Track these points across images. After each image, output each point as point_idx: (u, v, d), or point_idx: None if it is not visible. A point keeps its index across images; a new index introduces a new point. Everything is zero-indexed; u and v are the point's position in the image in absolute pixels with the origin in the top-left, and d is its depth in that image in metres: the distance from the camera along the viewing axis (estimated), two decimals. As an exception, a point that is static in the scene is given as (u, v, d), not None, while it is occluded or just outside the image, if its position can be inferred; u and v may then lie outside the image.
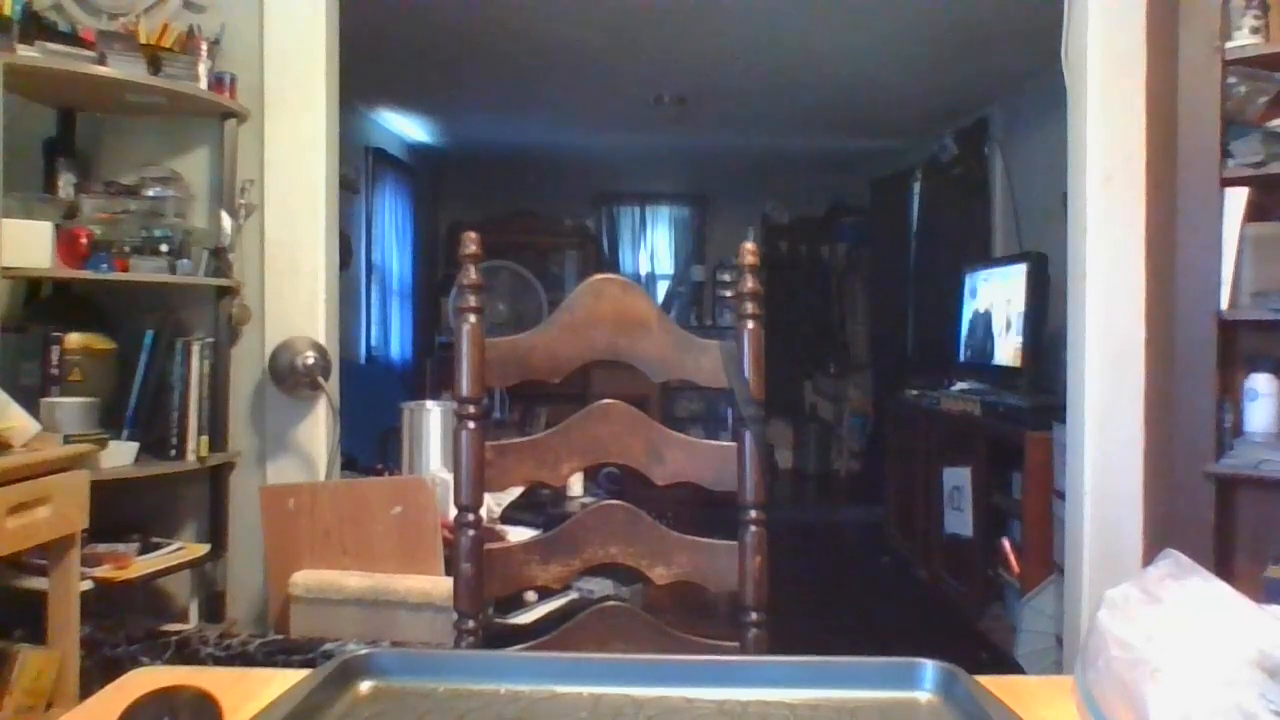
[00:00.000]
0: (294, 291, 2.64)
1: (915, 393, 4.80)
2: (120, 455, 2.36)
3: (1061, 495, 2.90)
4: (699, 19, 4.03)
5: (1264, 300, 2.20)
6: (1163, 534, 2.39)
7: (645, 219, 7.92)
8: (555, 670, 0.67)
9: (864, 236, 7.30)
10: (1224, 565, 2.18)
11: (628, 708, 0.64)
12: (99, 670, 1.97)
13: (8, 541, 1.72)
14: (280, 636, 2.17)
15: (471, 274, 1.11)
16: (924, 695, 0.66)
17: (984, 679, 0.64)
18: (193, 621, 2.53)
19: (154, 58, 2.44)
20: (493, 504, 2.55)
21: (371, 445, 3.90)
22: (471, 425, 1.11)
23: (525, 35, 4.26)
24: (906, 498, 4.90)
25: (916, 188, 6.19)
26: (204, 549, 2.52)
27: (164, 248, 2.44)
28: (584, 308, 1.17)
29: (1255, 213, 2.21)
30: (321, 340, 2.64)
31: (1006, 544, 3.74)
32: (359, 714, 0.63)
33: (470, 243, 1.11)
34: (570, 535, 1.16)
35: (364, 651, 0.68)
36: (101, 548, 2.27)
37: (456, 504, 1.11)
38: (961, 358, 4.69)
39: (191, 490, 2.63)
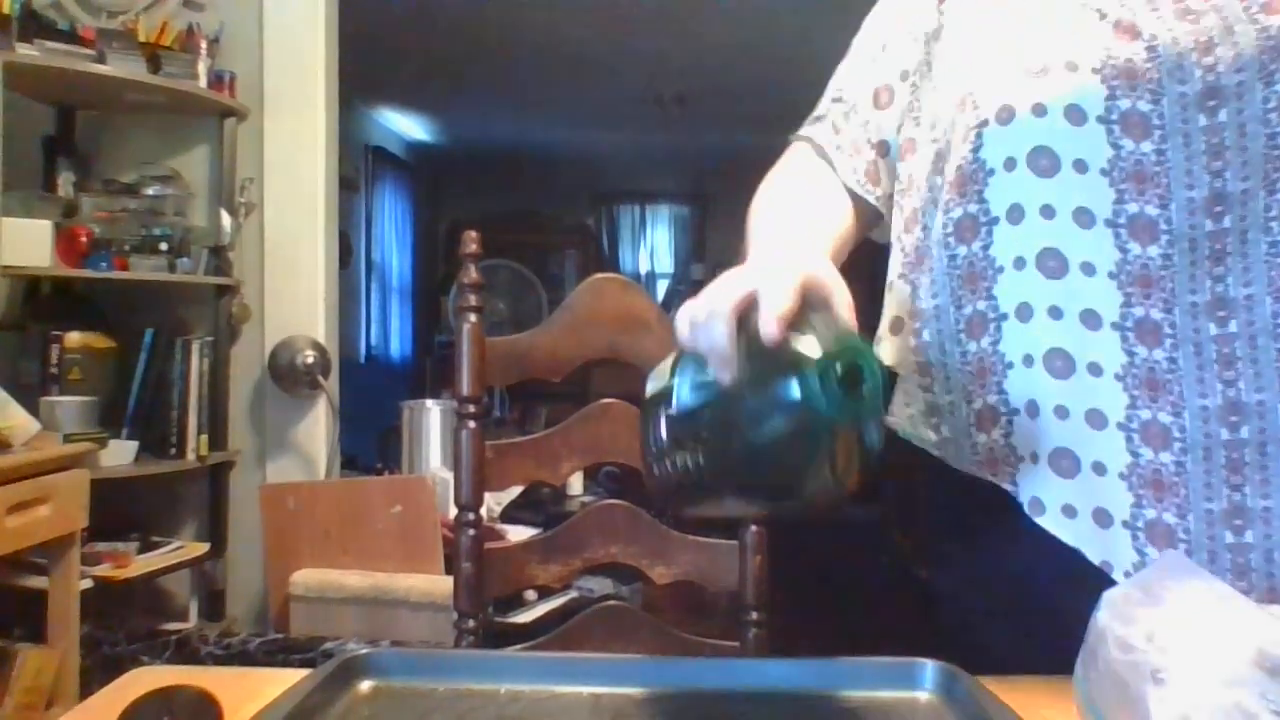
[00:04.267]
0: (294, 290, 2.64)
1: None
2: (120, 454, 2.36)
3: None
4: (699, 19, 4.03)
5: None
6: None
7: (645, 218, 7.91)
8: (555, 670, 0.67)
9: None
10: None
11: (628, 707, 0.64)
12: (99, 669, 1.97)
13: (8, 540, 1.72)
14: (280, 636, 2.17)
15: (471, 273, 1.11)
16: (924, 695, 0.66)
17: (984, 679, 0.64)
18: (192, 620, 2.53)
19: (153, 56, 2.44)
20: (493, 503, 2.56)
21: (371, 444, 3.90)
22: (471, 424, 1.10)
23: (525, 35, 4.26)
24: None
25: (916, 187, 6.18)
26: (204, 548, 2.52)
27: (163, 246, 2.44)
28: (584, 307, 1.17)
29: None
30: (321, 339, 2.64)
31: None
32: (359, 714, 0.63)
33: (470, 241, 1.11)
34: (570, 534, 1.16)
35: (364, 651, 0.68)
36: (101, 546, 2.27)
37: (456, 503, 1.11)
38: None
39: (191, 489, 2.63)
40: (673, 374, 0.63)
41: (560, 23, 4.10)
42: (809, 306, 0.59)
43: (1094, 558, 0.73)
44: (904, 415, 0.82)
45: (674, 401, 0.62)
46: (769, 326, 0.56)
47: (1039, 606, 0.79)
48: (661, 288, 7.81)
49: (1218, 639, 0.51)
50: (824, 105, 0.94)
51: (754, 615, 1.16)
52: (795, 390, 0.54)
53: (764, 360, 0.57)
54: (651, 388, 0.66)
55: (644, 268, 7.86)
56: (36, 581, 2.00)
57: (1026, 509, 0.76)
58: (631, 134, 6.38)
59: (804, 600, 4.30)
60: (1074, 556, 0.74)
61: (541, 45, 4.40)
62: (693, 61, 4.62)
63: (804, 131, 0.94)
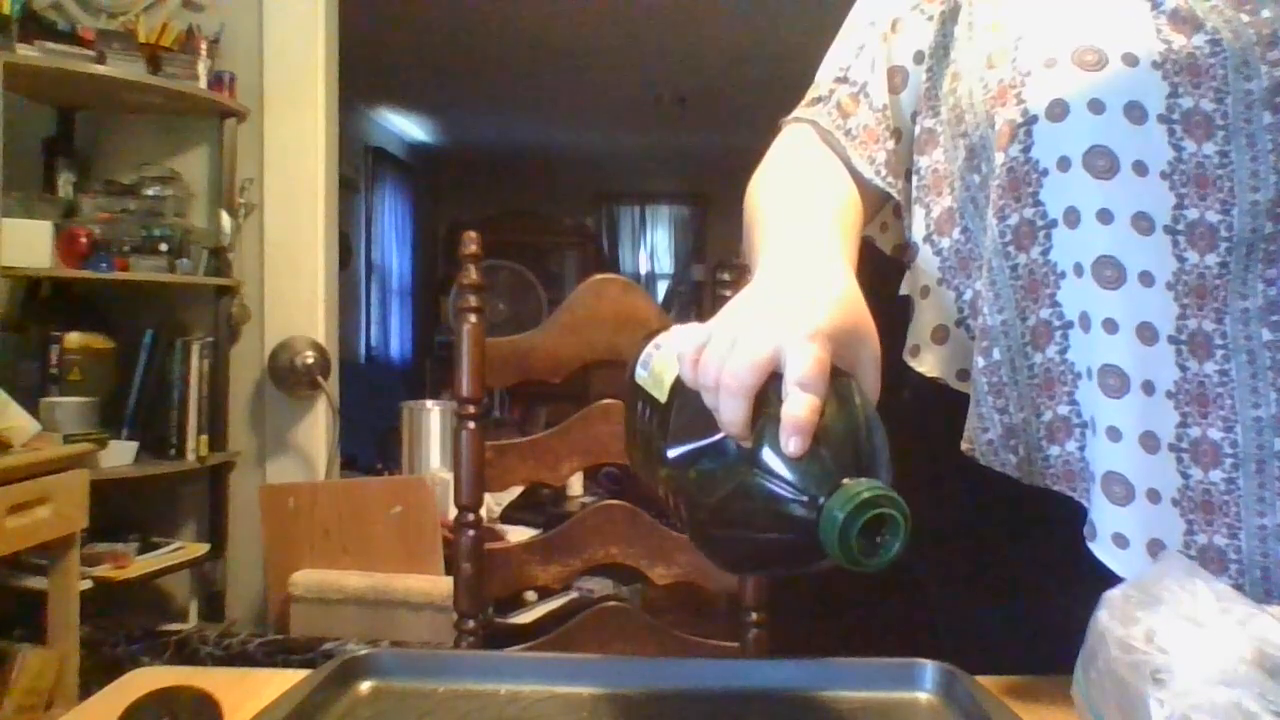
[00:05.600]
0: (294, 291, 2.64)
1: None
2: (120, 455, 2.36)
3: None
4: (699, 19, 4.03)
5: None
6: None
7: (645, 219, 7.92)
8: (555, 670, 0.67)
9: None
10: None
11: (628, 708, 0.64)
12: (99, 670, 1.97)
13: (8, 541, 1.72)
14: (280, 636, 2.17)
15: (471, 273, 1.11)
16: (924, 695, 0.66)
17: (984, 679, 0.64)
18: (192, 621, 2.53)
19: (153, 57, 2.44)
20: (493, 504, 2.56)
21: (371, 445, 3.90)
22: (471, 425, 1.10)
23: (525, 35, 4.26)
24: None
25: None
26: (203, 548, 2.52)
27: (163, 247, 2.44)
28: (584, 308, 1.17)
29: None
30: (321, 340, 2.64)
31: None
32: (359, 714, 0.63)
33: (470, 242, 1.11)
34: (570, 535, 1.16)
35: (364, 651, 0.67)
36: (101, 547, 2.27)
37: (456, 504, 1.11)
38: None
39: (191, 490, 2.63)
40: (672, 394, 0.59)
41: (560, 23, 4.10)
42: (835, 373, 0.55)
43: None
44: (982, 442, 0.77)
45: (668, 429, 0.58)
46: (791, 444, 0.51)
47: (1039, 606, 0.78)
48: (661, 288, 7.81)
49: (1218, 639, 0.51)
50: (825, 85, 0.87)
51: (754, 615, 1.16)
52: (808, 520, 0.51)
53: (780, 458, 0.52)
54: (643, 378, 0.62)
55: (644, 268, 7.87)
56: (36, 582, 2.00)
57: (1085, 530, 0.72)
58: (632, 134, 6.38)
59: (804, 600, 4.30)
60: (1074, 557, 0.72)
61: (542, 45, 4.41)
62: (693, 61, 4.62)
63: (803, 114, 0.87)
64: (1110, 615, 0.54)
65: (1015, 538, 0.81)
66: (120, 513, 2.42)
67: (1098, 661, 0.54)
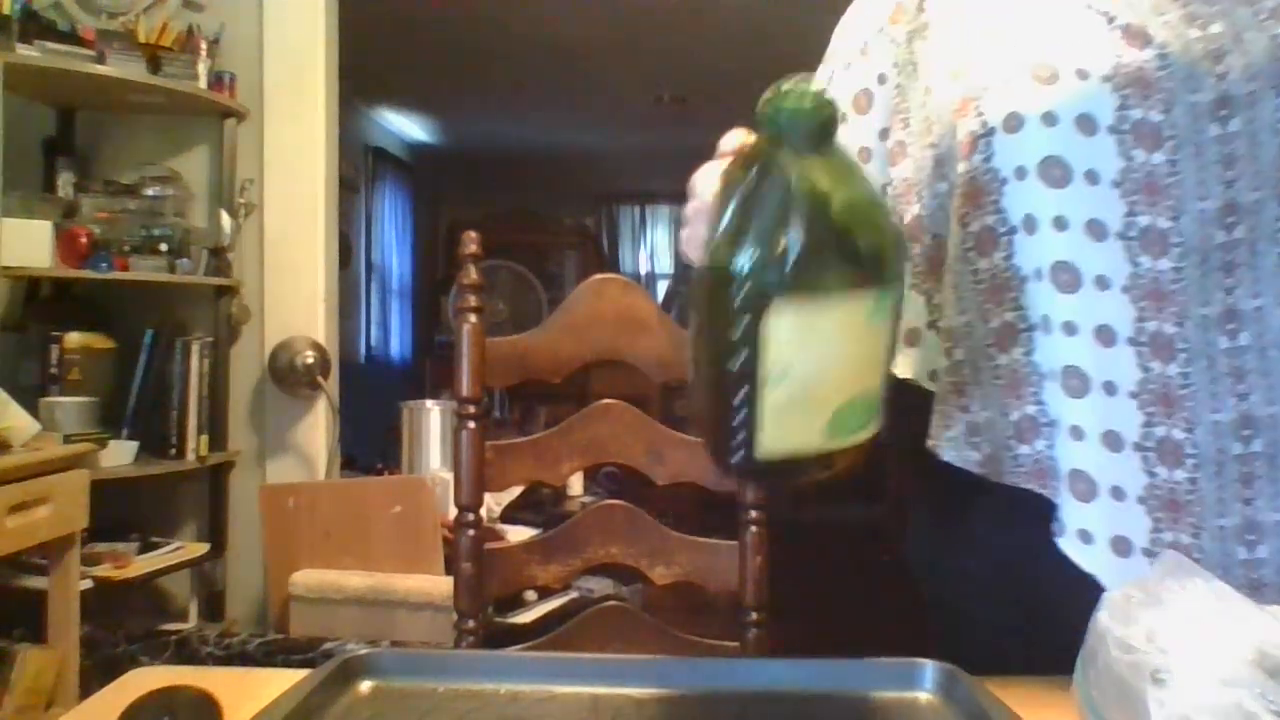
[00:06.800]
0: (294, 291, 2.64)
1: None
2: (120, 454, 2.36)
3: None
4: (699, 19, 4.03)
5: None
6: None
7: (645, 218, 7.92)
8: (555, 670, 0.67)
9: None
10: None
11: (627, 708, 0.64)
12: (99, 670, 1.97)
13: (8, 541, 1.72)
14: (280, 636, 2.17)
15: (471, 273, 1.11)
16: (924, 695, 0.66)
17: (984, 679, 0.64)
18: (192, 621, 2.53)
19: (153, 57, 2.44)
20: (493, 503, 2.56)
21: (371, 445, 3.90)
22: (471, 425, 1.10)
23: (525, 35, 4.26)
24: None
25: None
26: (204, 548, 2.52)
27: (163, 247, 2.44)
28: (584, 307, 1.17)
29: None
30: (321, 340, 2.64)
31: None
32: (359, 714, 0.63)
33: (470, 242, 1.11)
34: (570, 535, 1.16)
35: (364, 651, 0.68)
36: (101, 547, 2.27)
37: (456, 503, 1.11)
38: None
39: (191, 489, 2.63)
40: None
41: (561, 23, 4.10)
42: None
43: (1110, 585, 0.69)
44: (944, 439, 0.79)
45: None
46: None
47: (1038, 607, 0.79)
48: (661, 288, 7.81)
49: (1218, 639, 0.51)
50: None
51: (754, 615, 1.16)
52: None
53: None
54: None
55: (644, 268, 7.86)
56: (36, 582, 2.00)
57: (1054, 526, 0.74)
58: (631, 134, 6.37)
59: (804, 600, 4.29)
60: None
61: (542, 45, 4.40)
62: (693, 61, 4.62)
63: None
64: (1110, 615, 0.54)
65: (1014, 538, 0.81)
66: (120, 513, 2.42)
67: (1098, 661, 0.54)
